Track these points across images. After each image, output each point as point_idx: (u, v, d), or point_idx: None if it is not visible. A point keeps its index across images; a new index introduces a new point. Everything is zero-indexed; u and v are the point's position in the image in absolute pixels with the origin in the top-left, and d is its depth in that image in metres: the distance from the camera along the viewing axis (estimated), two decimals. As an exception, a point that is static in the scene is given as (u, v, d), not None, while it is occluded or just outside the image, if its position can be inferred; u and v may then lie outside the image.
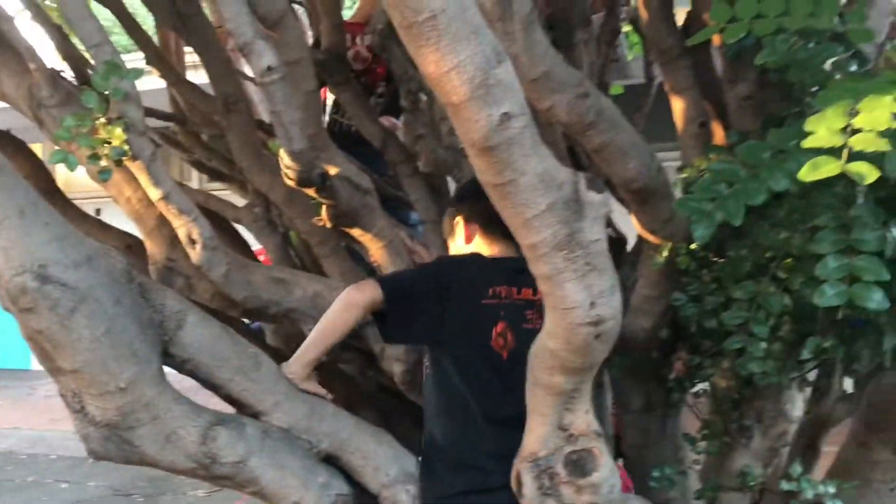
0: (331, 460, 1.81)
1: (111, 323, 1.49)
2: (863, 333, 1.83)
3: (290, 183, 1.87)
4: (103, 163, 1.70)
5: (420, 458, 1.84)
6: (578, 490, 1.62)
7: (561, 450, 1.64)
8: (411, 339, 1.91)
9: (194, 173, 7.87)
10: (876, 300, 1.45)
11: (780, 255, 1.76)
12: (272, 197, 2.41)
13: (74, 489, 6.12)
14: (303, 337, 2.31)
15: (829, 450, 2.72)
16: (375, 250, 2.08)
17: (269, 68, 1.67)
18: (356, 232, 2.06)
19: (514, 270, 1.80)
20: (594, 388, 2.78)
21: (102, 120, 1.72)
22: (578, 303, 1.41)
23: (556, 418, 1.64)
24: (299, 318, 2.05)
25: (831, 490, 2.13)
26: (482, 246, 1.91)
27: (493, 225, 1.79)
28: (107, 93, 1.70)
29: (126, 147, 1.70)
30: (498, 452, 1.73)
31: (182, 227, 1.86)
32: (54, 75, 1.96)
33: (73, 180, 4.78)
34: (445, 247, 2.45)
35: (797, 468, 2.27)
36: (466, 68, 1.18)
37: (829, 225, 1.50)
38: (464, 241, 1.94)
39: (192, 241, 1.87)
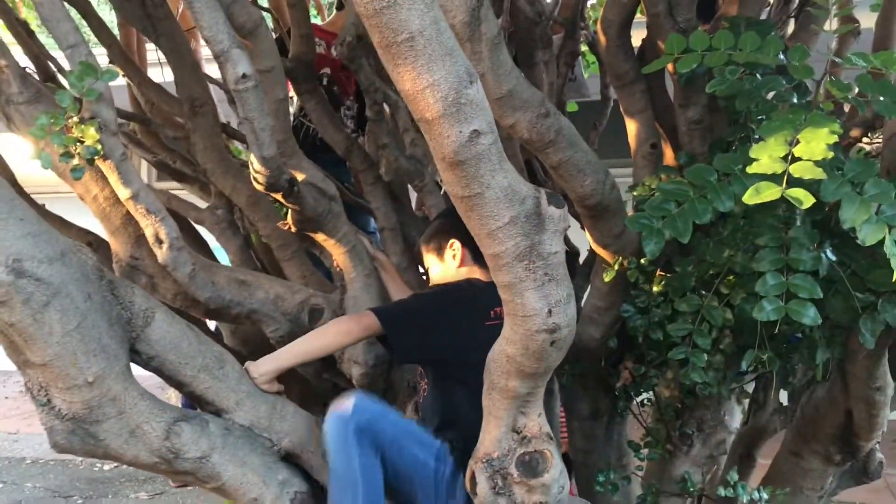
0: (290, 458, 1.86)
1: (82, 318, 1.53)
2: (797, 348, 1.95)
3: (259, 188, 1.92)
4: (75, 161, 1.73)
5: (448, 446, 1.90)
6: (530, 490, 1.70)
7: (514, 451, 1.72)
8: (422, 357, 1.99)
9: (149, 172, 7.80)
10: (810, 316, 1.57)
11: (723, 271, 1.87)
12: (235, 200, 2.46)
13: (10, 490, 5.99)
14: (262, 338, 2.36)
15: (763, 462, 2.86)
16: (338, 255, 2.14)
17: (244, 76, 1.72)
18: (320, 237, 2.12)
19: None
20: (546, 395, 2.89)
21: (75, 119, 1.75)
22: (537, 311, 1.49)
23: (511, 421, 1.72)
24: (261, 319, 2.10)
25: (765, 496, 2.25)
26: (474, 269, 2.01)
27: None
28: (80, 94, 1.73)
29: (99, 146, 1.73)
30: None
31: (149, 226, 1.89)
32: (24, 73, 1.98)
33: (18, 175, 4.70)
34: (406, 255, 2.53)
35: (734, 475, 2.39)
36: (440, 87, 1.26)
37: (769, 244, 1.61)
38: (457, 263, 2.02)
39: (159, 241, 1.91)
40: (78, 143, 1.74)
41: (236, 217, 2.62)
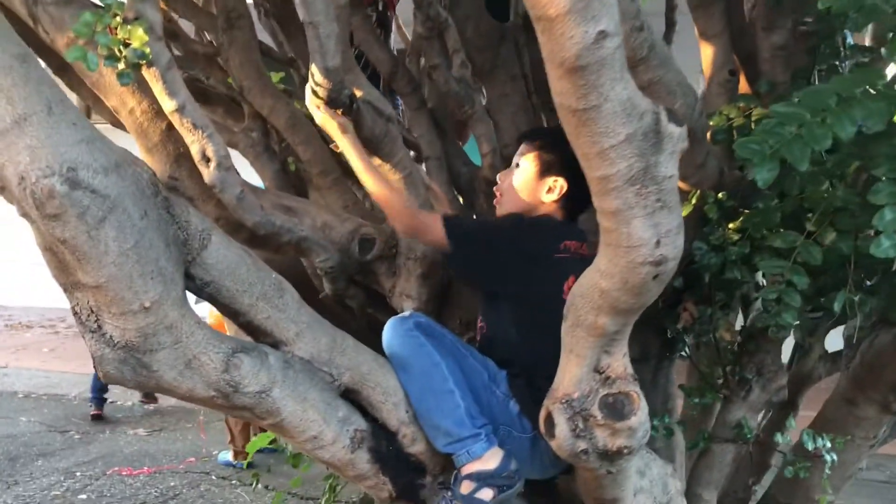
0: (349, 394, 1.74)
1: (139, 236, 1.38)
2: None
3: (318, 102, 1.76)
4: (121, 66, 1.55)
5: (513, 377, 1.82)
6: (614, 433, 1.59)
7: (596, 392, 1.61)
8: (479, 279, 1.87)
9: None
10: (930, 253, 1.45)
11: (819, 206, 1.75)
12: (273, 121, 2.29)
13: (5, 424, 5.89)
14: (297, 272, 2.23)
15: (804, 412, 2.79)
16: (395, 181, 1.99)
17: (312, -26, 1.55)
18: (375, 161, 1.96)
19: (582, 231, 1.86)
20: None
21: (118, 19, 1.57)
22: (644, 241, 1.36)
23: (594, 360, 1.60)
24: (311, 248, 1.96)
25: (828, 444, 2.17)
26: (557, 210, 1.88)
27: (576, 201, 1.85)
28: (125, -11, 1.55)
29: (147, 50, 1.56)
30: None
31: (195, 142, 1.73)
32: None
33: None
34: (450, 186, 2.38)
35: (792, 422, 2.31)
36: (571, -22, 1.10)
37: (888, 175, 1.48)
38: (551, 198, 1.87)
39: (206, 159, 1.75)
40: (123, 46, 1.57)
41: (272, 141, 2.45)
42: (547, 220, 1.86)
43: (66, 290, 1.45)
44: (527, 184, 1.89)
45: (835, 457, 2.19)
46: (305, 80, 2.46)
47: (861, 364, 2.38)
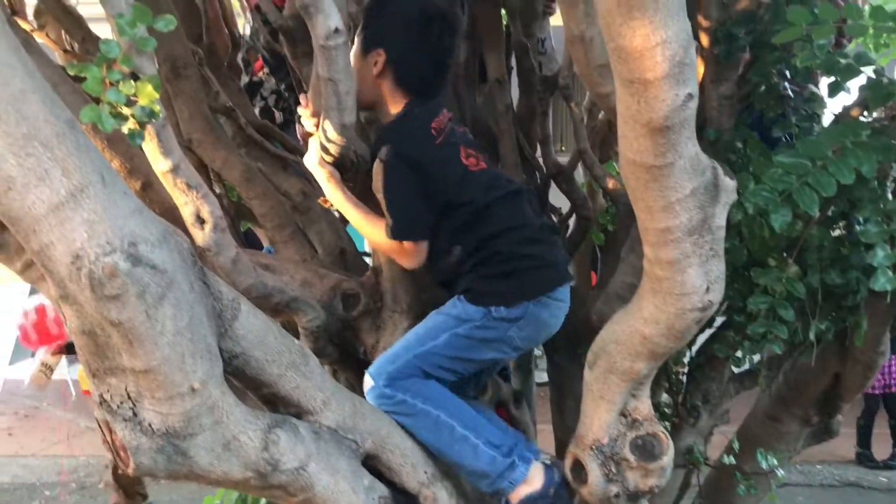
0: (367, 460, 1.67)
1: (192, 312, 1.26)
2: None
3: (328, 159, 1.69)
4: (130, 124, 1.43)
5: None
6: (646, 474, 1.64)
7: (624, 435, 1.65)
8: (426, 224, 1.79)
9: None
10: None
11: (781, 243, 1.90)
12: (226, 175, 2.18)
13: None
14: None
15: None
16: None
17: (337, 30, 1.50)
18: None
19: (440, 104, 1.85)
20: (524, 374, 2.83)
21: (124, 73, 1.45)
22: (695, 288, 1.42)
23: (622, 405, 1.64)
24: (300, 308, 1.86)
25: (775, 462, 2.34)
26: (396, 92, 1.78)
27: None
28: (131, 43, 1.44)
29: (157, 108, 1.44)
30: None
31: (189, 203, 1.61)
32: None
33: None
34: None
35: (736, 443, 2.47)
36: (671, 45, 1.16)
37: (872, 216, 1.64)
38: (375, 73, 1.76)
39: (201, 221, 1.63)
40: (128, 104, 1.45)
41: (222, 196, 2.32)
42: (410, 120, 1.77)
43: (95, 377, 1.30)
44: (357, 67, 1.73)
45: (782, 472, 2.37)
46: (241, 130, 2.37)
47: (784, 383, 2.59)
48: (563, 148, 7.40)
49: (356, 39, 1.81)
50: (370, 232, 1.79)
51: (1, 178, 1.09)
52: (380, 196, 1.73)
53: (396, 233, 1.74)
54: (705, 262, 1.40)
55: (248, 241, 3.02)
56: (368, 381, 1.78)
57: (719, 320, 2.26)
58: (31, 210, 1.11)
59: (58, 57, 2.74)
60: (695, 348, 2.48)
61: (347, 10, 1.96)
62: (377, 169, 1.71)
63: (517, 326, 1.78)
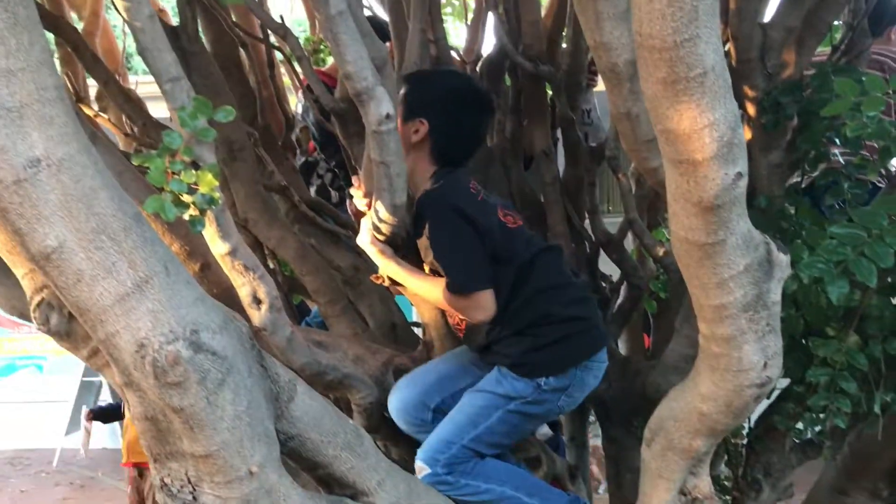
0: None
1: (250, 396, 1.28)
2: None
3: (380, 238, 1.73)
4: (191, 211, 1.48)
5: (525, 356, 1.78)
6: (709, 554, 1.59)
7: (685, 515, 1.61)
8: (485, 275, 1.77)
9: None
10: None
11: (838, 313, 1.86)
12: (281, 253, 2.23)
13: None
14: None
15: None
16: (425, 310, 1.96)
17: (388, 116, 1.55)
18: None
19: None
20: (579, 448, 2.79)
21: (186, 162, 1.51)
22: (753, 364, 1.41)
23: (681, 483, 1.61)
24: (353, 384, 1.88)
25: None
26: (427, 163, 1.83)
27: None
28: (193, 134, 1.50)
29: (216, 195, 1.49)
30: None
31: (246, 285, 1.65)
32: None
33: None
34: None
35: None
36: (720, 126, 1.17)
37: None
38: (416, 140, 1.81)
39: (257, 301, 1.66)
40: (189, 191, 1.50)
41: (275, 272, 2.37)
42: (446, 183, 1.80)
43: (156, 461, 1.33)
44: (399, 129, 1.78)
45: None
46: (294, 207, 2.43)
47: (850, 454, 2.51)
48: (611, 208, 7.37)
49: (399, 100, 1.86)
50: (434, 294, 1.78)
51: (71, 271, 1.13)
52: (436, 257, 1.75)
53: (462, 286, 1.72)
54: (762, 337, 1.39)
55: (301, 313, 3.07)
56: (422, 468, 1.78)
57: (778, 389, 2.22)
58: (98, 301, 1.15)
59: (119, 141, 2.87)
60: (754, 418, 2.42)
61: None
62: (430, 227, 1.75)
63: (566, 394, 1.79)
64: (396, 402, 1.90)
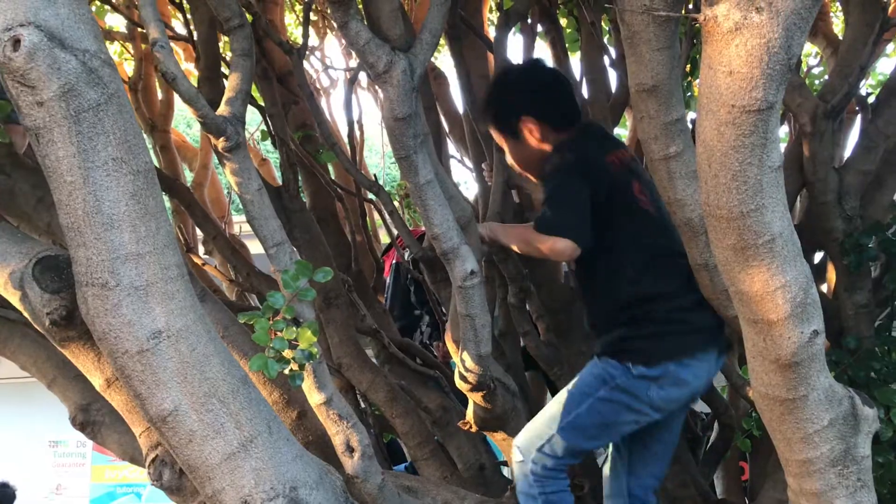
0: None
1: (344, 551, 1.34)
2: None
3: (466, 387, 1.80)
4: (292, 366, 1.58)
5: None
6: None
7: None
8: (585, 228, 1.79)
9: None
10: None
11: None
12: (372, 396, 2.31)
13: None
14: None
15: None
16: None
17: (472, 272, 1.64)
18: (499, 435, 1.98)
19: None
20: None
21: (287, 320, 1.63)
22: (847, 520, 1.38)
23: None
24: (442, 531, 1.91)
25: None
26: (559, 136, 1.89)
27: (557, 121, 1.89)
28: (294, 294, 1.62)
29: (315, 350, 1.60)
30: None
31: (340, 433, 1.72)
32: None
33: None
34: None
35: None
36: (791, 288, 1.21)
37: None
38: (532, 140, 1.89)
39: (350, 449, 1.73)
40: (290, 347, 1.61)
41: (365, 413, 2.45)
42: (582, 137, 1.88)
43: None
44: (515, 149, 1.95)
45: None
46: (384, 349, 2.53)
47: None
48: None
49: (494, 134, 1.99)
50: (526, 238, 1.83)
51: (184, 432, 1.23)
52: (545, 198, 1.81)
53: (549, 227, 1.76)
54: (853, 493, 1.37)
55: (391, 451, 3.12)
56: (517, 455, 1.84)
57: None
58: (207, 459, 1.24)
59: (224, 286, 3.06)
60: None
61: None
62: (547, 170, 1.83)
63: (657, 385, 1.76)
64: None
